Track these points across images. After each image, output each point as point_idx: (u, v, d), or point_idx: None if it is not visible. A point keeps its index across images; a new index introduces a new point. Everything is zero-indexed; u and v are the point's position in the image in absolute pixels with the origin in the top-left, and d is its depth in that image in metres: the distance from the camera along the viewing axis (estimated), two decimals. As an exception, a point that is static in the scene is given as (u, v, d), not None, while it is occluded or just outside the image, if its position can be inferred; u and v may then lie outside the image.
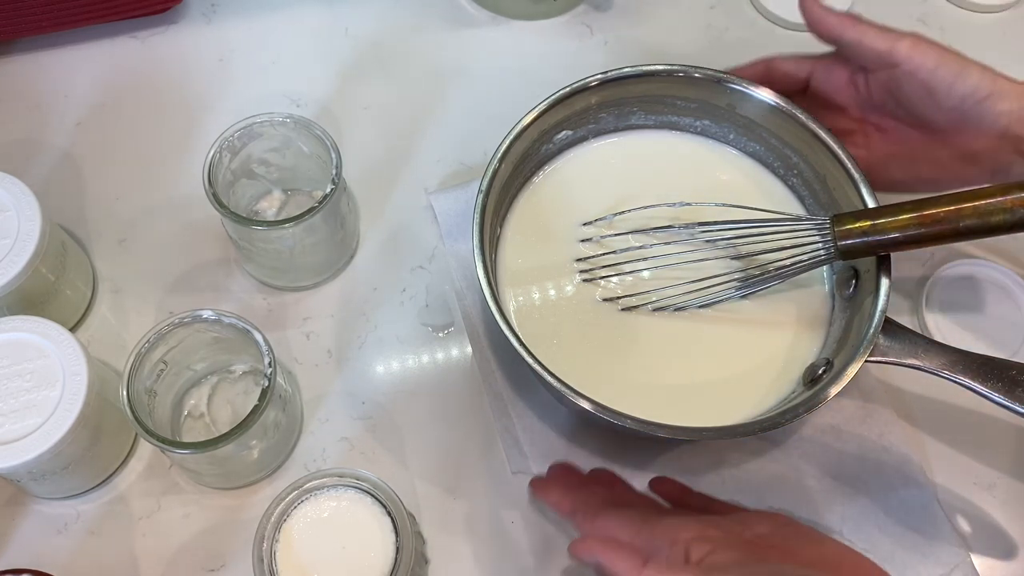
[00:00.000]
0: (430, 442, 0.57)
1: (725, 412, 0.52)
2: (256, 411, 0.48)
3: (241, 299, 0.61)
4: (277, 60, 0.70)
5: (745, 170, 0.61)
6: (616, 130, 0.61)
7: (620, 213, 0.58)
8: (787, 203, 0.60)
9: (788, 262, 0.54)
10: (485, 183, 0.53)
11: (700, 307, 0.56)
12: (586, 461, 0.56)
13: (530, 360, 0.49)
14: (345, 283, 0.62)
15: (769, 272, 0.55)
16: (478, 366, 0.59)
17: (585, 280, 0.58)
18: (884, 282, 0.52)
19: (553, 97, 0.56)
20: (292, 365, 0.59)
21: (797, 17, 0.71)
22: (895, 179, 0.56)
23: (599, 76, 0.57)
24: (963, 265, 0.62)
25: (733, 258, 0.58)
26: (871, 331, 0.50)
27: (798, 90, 0.58)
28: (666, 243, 0.57)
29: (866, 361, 0.50)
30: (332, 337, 0.60)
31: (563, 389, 0.48)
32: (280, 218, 0.58)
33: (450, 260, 0.62)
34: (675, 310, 0.56)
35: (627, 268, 0.57)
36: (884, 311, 0.51)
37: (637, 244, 0.58)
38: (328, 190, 0.54)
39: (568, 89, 0.57)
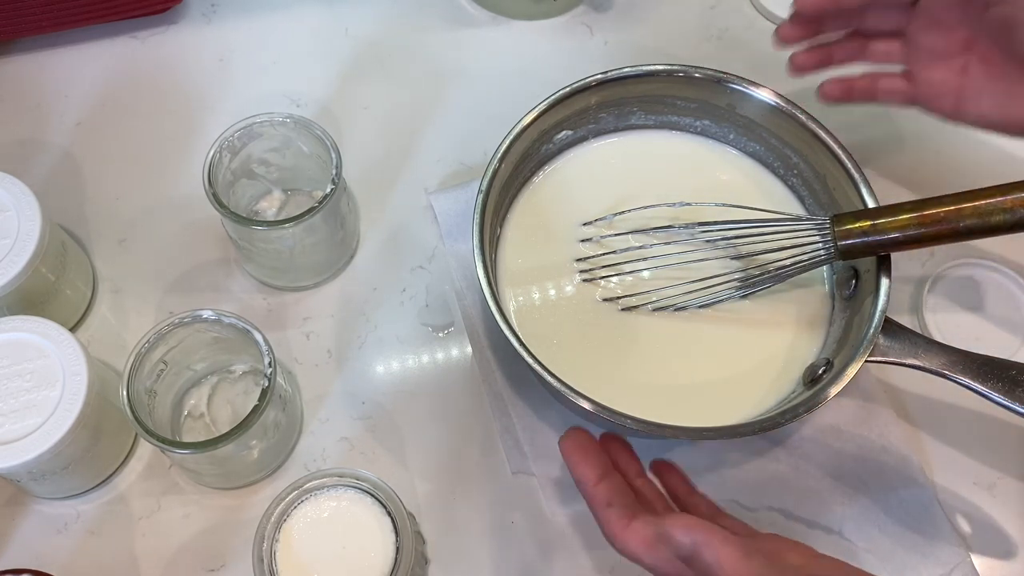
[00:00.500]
0: (430, 442, 0.57)
1: (725, 412, 0.52)
2: (256, 411, 0.48)
3: (241, 299, 0.61)
4: (277, 60, 0.70)
5: (745, 170, 0.61)
6: (616, 130, 0.61)
7: (620, 213, 0.58)
8: (787, 203, 0.60)
9: (788, 262, 0.54)
10: (485, 183, 0.53)
11: (700, 307, 0.56)
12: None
13: (530, 360, 0.49)
14: (345, 283, 0.62)
15: (769, 272, 0.55)
16: (478, 366, 0.59)
17: (585, 280, 0.58)
18: (884, 282, 0.52)
19: (553, 97, 0.56)
20: (292, 365, 0.59)
21: (797, 17, 0.72)
22: (983, 112, 0.54)
23: (599, 76, 0.57)
24: (963, 265, 0.62)
25: (733, 258, 0.58)
26: (871, 331, 0.50)
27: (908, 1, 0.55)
28: (666, 243, 0.57)
29: (866, 361, 0.50)
30: (332, 337, 0.60)
31: (563, 389, 0.48)
32: (280, 218, 0.58)
33: (450, 260, 0.62)
34: (675, 310, 0.56)
35: (627, 268, 0.57)
36: (884, 311, 0.51)
37: (637, 244, 0.58)
38: (328, 190, 0.54)
39: (568, 89, 0.57)
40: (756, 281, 0.56)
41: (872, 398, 0.58)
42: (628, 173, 0.61)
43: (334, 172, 0.55)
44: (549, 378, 0.49)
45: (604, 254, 0.58)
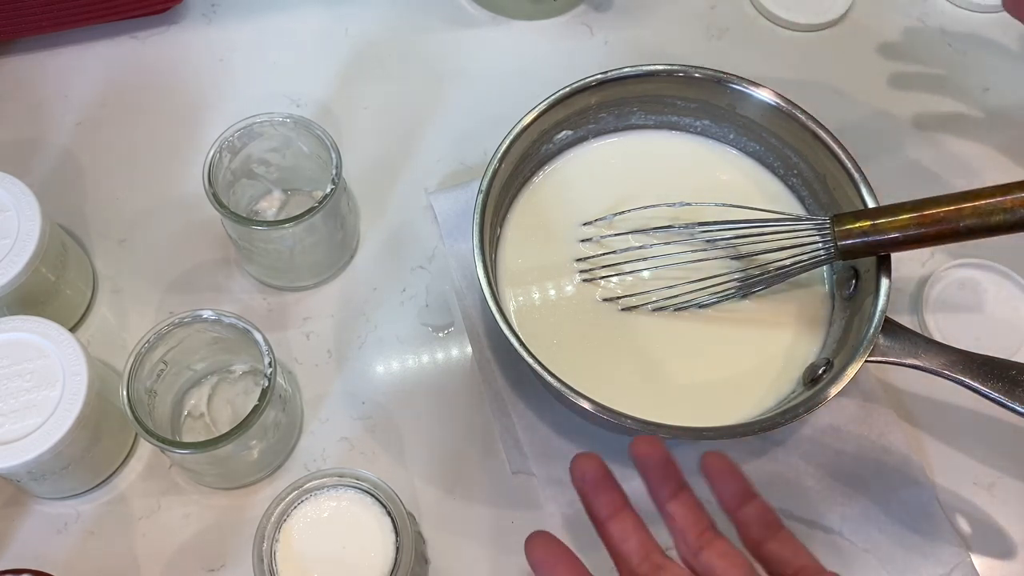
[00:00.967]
0: (430, 442, 0.57)
1: (725, 412, 0.52)
2: (256, 411, 0.48)
3: (241, 299, 0.61)
4: (277, 60, 0.70)
5: (745, 170, 0.61)
6: (616, 130, 0.61)
7: (620, 213, 0.58)
8: (787, 203, 0.60)
9: (788, 262, 0.54)
10: (485, 183, 0.53)
11: (700, 307, 0.56)
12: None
13: (530, 360, 0.49)
14: (345, 283, 0.62)
15: (769, 272, 0.55)
16: (478, 366, 0.59)
17: (585, 280, 0.58)
18: (884, 282, 0.52)
19: (553, 97, 0.56)
20: (292, 365, 0.59)
21: (797, 17, 0.72)
22: None
23: (599, 76, 0.57)
24: (963, 265, 0.62)
25: (733, 258, 0.58)
26: (871, 331, 0.50)
27: None
28: (666, 243, 0.57)
29: (866, 361, 0.50)
30: (332, 337, 0.60)
31: (563, 389, 0.48)
32: (280, 218, 0.58)
33: (450, 260, 0.62)
34: (675, 310, 0.56)
35: (627, 268, 0.57)
36: (884, 311, 0.51)
37: (637, 244, 0.58)
38: (328, 190, 0.54)
39: (568, 89, 0.57)
40: (756, 281, 0.56)
41: (872, 398, 0.58)
42: (628, 173, 0.61)
43: (334, 172, 0.55)
44: (549, 378, 0.49)
45: (604, 254, 0.58)
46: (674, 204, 0.58)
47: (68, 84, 0.68)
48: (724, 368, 0.55)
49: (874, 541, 0.54)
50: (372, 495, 0.47)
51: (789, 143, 0.58)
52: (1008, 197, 0.48)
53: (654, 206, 0.58)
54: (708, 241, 0.58)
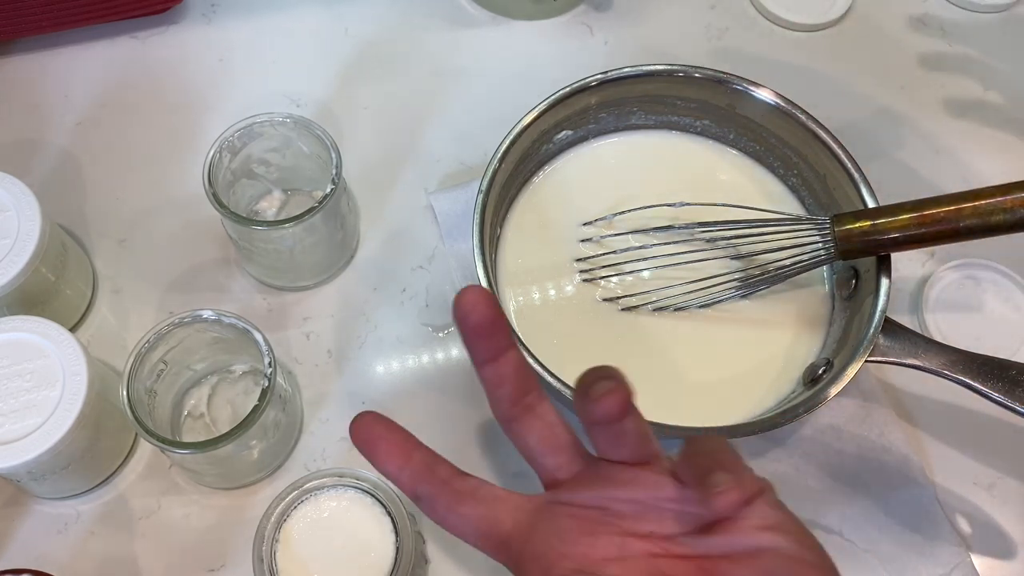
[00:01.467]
0: (430, 442, 0.56)
1: (725, 412, 0.52)
2: (256, 411, 0.48)
3: (241, 299, 0.61)
4: (277, 60, 0.70)
5: (745, 170, 0.61)
6: (616, 130, 0.61)
7: (620, 213, 0.58)
8: (787, 203, 0.60)
9: (788, 262, 0.54)
10: (485, 183, 0.53)
11: (700, 307, 0.56)
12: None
13: (530, 360, 0.49)
14: (345, 283, 0.62)
15: (769, 272, 0.55)
16: (478, 366, 0.59)
17: (585, 280, 0.58)
18: (884, 282, 0.52)
19: (553, 97, 0.56)
20: (292, 365, 0.59)
21: (797, 17, 0.72)
22: None
23: (599, 76, 0.57)
24: (963, 265, 0.62)
25: (733, 258, 0.58)
26: (871, 331, 0.50)
27: None
28: (666, 243, 0.57)
29: (866, 361, 0.50)
30: (332, 337, 0.60)
31: (563, 389, 0.48)
32: (280, 218, 0.58)
33: (450, 260, 0.62)
34: (675, 310, 0.56)
35: (627, 268, 0.57)
36: (884, 311, 0.51)
37: (637, 244, 0.58)
38: (328, 190, 0.54)
39: (568, 89, 0.57)
40: (756, 281, 0.56)
41: (872, 398, 0.58)
42: (628, 173, 0.61)
43: (334, 172, 0.55)
44: (549, 378, 0.49)
45: (604, 254, 0.57)
46: (674, 204, 0.58)
47: (68, 84, 0.68)
48: (724, 368, 0.55)
49: (874, 541, 0.54)
50: (372, 495, 0.47)
51: (789, 143, 0.58)
52: (1008, 197, 0.48)
53: (654, 206, 0.58)
54: (708, 241, 0.58)
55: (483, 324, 0.35)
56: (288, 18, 0.71)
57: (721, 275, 0.56)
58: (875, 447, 0.57)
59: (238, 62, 0.69)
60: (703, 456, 0.35)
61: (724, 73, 0.57)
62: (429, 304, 0.61)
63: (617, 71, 0.57)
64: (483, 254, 0.52)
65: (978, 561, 0.54)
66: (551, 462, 0.37)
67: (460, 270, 0.61)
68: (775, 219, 0.54)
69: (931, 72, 0.71)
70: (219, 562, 0.53)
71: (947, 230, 0.50)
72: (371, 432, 0.38)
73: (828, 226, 0.52)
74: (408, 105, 0.68)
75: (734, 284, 0.56)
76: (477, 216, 0.53)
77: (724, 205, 0.56)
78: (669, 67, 0.58)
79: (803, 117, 0.56)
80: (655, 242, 0.58)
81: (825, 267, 0.57)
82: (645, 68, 0.58)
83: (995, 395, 0.48)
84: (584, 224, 0.59)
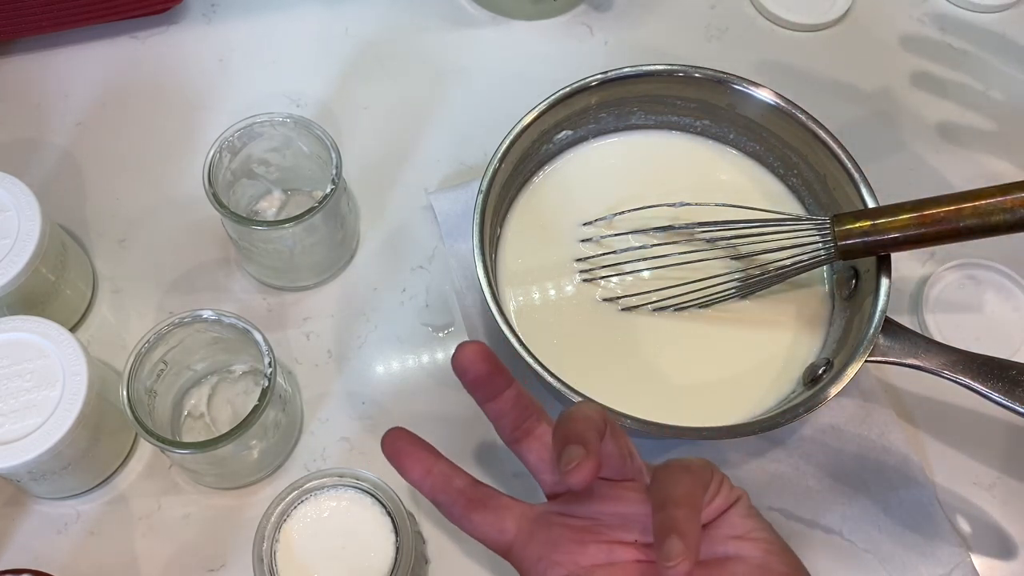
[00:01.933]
0: (430, 441, 0.57)
1: (725, 412, 0.52)
2: (256, 411, 0.48)
3: (241, 299, 0.61)
4: (277, 60, 0.70)
5: (745, 170, 0.61)
6: (616, 130, 0.61)
7: (620, 213, 0.58)
8: (787, 203, 0.60)
9: (788, 262, 0.54)
10: (485, 183, 0.53)
11: (700, 307, 0.56)
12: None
13: (530, 360, 0.49)
14: (345, 283, 0.62)
15: (769, 272, 0.55)
16: (478, 366, 0.59)
17: (585, 280, 0.58)
18: (884, 282, 0.52)
19: (553, 97, 0.56)
20: (292, 365, 0.59)
21: (797, 17, 0.72)
22: None
23: (599, 76, 0.57)
24: (963, 265, 0.62)
25: (733, 258, 0.58)
26: (871, 331, 0.50)
27: None
28: (666, 243, 0.57)
29: (866, 361, 0.50)
30: (332, 337, 0.60)
31: (563, 389, 0.48)
32: (280, 218, 0.58)
33: (450, 260, 0.62)
34: (675, 310, 0.56)
35: (627, 268, 0.57)
36: (884, 311, 0.51)
37: (637, 244, 0.58)
38: (328, 190, 0.54)
39: (568, 89, 0.57)
40: (756, 281, 0.56)
41: (872, 398, 0.58)
42: (628, 173, 0.61)
43: (334, 172, 0.55)
44: (549, 378, 0.49)
45: (604, 254, 0.57)
46: (674, 204, 0.58)
47: (68, 84, 0.68)
48: (724, 368, 0.55)
49: (874, 541, 0.54)
50: (372, 495, 0.47)
51: (789, 143, 0.58)
52: (1008, 197, 0.48)
53: (654, 206, 0.58)
54: (708, 241, 0.58)
55: (480, 378, 0.40)
56: (288, 18, 0.71)
57: (721, 275, 0.56)
58: (875, 447, 0.57)
59: (238, 62, 0.69)
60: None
61: (724, 73, 0.57)
62: (429, 304, 0.61)
63: (617, 71, 0.57)
64: (483, 254, 0.52)
65: (978, 561, 0.54)
66: (549, 478, 0.42)
67: (460, 270, 0.61)
68: (775, 219, 0.54)
69: (931, 72, 0.71)
70: (219, 562, 0.53)
71: (947, 230, 0.50)
72: (398, 445, 0.43)
73: (828, 226, 0.52)
74: (408, 105, 0.68)
75: (734, 284, 0.56)
76: (477, 216, 0.53)
77: (724, 205, 0.56)
78: (669, 67, 0.58)
79: (803, 117, 0.56)
80: (655, 242, 0.58)
81: (825, 267, 0.57)
82: (645, 68, 0.58)
83: (995, 395, 0.48)
84: (584, 224, 0.59)
